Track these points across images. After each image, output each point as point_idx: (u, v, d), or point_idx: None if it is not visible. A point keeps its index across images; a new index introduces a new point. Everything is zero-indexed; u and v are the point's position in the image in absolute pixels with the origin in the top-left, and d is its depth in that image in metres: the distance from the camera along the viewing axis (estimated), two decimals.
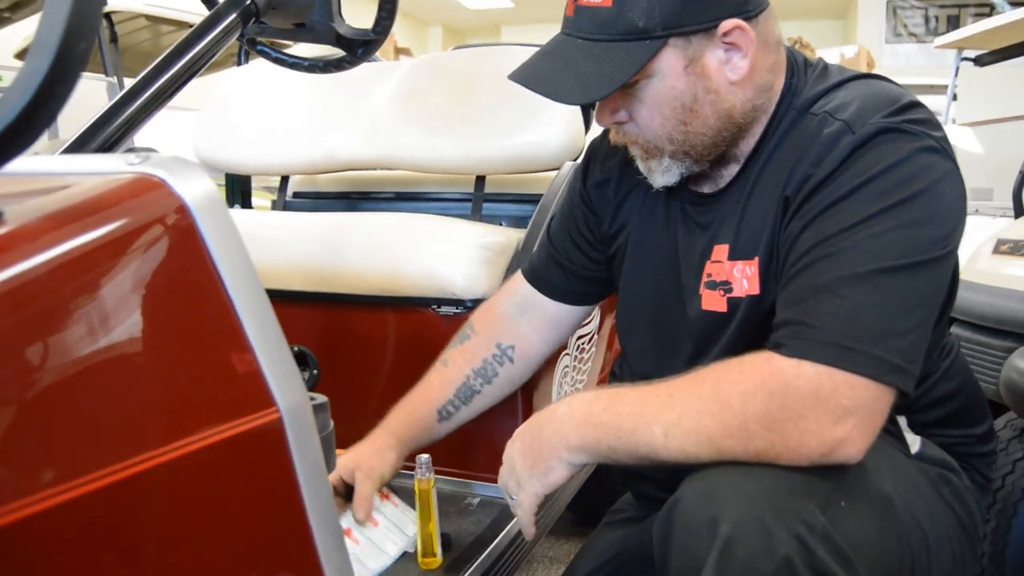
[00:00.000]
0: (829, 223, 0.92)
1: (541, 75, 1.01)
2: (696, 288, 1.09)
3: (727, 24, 0.97)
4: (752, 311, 1.03)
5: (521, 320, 1.33)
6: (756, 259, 1.03)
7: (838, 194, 0.92)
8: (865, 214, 0.90)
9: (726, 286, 1.06)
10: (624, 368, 1.26)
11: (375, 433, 1.25)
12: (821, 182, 0.94)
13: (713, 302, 1.07)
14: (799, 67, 1.07)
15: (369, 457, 1.20)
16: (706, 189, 1.11)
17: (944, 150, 0.94)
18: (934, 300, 0.93)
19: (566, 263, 1.29)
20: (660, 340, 1.17)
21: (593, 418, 0.94)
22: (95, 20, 0.49)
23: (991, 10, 9.49)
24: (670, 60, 0.98)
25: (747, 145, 1.06)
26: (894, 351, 0.87)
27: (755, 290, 1.03)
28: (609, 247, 1.25)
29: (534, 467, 0.99)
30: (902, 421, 1.07)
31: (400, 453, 1.24)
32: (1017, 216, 3.17)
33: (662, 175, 1.06)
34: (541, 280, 1.32)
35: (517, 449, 1.01)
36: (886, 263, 0.88)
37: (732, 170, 1.08)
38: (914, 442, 1.07)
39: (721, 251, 1.06)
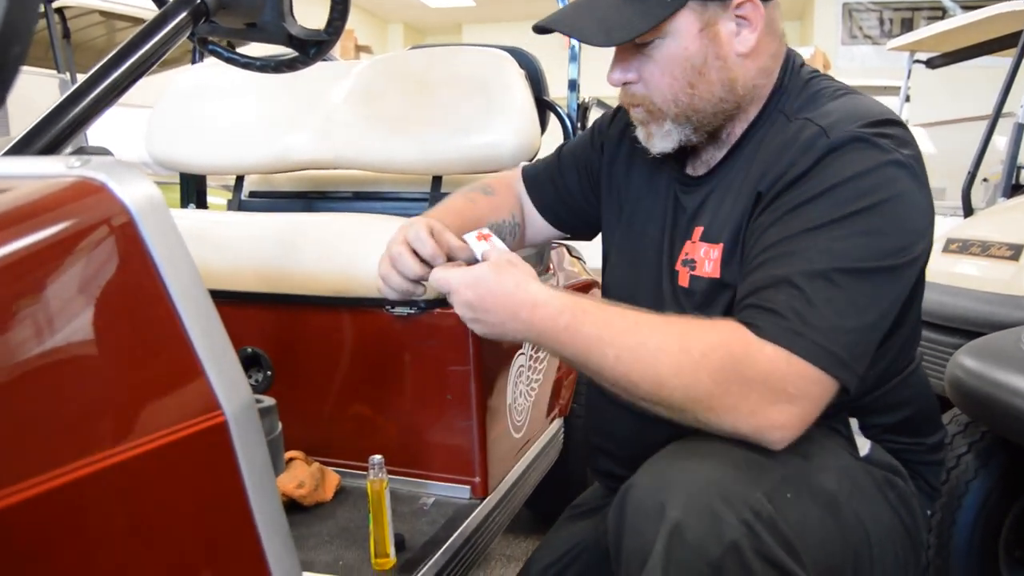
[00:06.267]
0: (795, 222, 0.96)
1: (567, 19, 1.06)
2: (674, 265, 1.14)
3: None
4: (712, 295, 1.08)
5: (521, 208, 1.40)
6: (721, 245, 1.07)
7: (806, 196, 0.97)
8: (828, 218, 0.95)
9: (692, 264, 1.11)
10: None
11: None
12: (792, 181, 0.99)
13: (684, 279, 1.12)
14: (794, 68, 1.12)
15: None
16: (696, 172, 1.16)
17: (912, 167, 0.98)
18: (888, 306, 0.97)
19: (559, 180, 1.37)
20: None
21: (551, 334, 0.97)
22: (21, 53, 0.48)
23: (943, 13, 9.68)
24: (686, 21, 1.03)
25: (737, 129, 1.11)
26: (841, 345, 0.91)
27: (716, 274, 1.07)
28: (599, 199, 1.32)
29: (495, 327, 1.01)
30: (854, 423, 1.10)
31: None
32: (966, 216, 3.25)
33: (661, 140, 1.11)
34: (534, 185, 1.40)
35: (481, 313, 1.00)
36: (843, 264, 0.93)
37: (719, 153, 1.13)
38: (864, 445, 1.10)
39: (698, 232, 1.11)
